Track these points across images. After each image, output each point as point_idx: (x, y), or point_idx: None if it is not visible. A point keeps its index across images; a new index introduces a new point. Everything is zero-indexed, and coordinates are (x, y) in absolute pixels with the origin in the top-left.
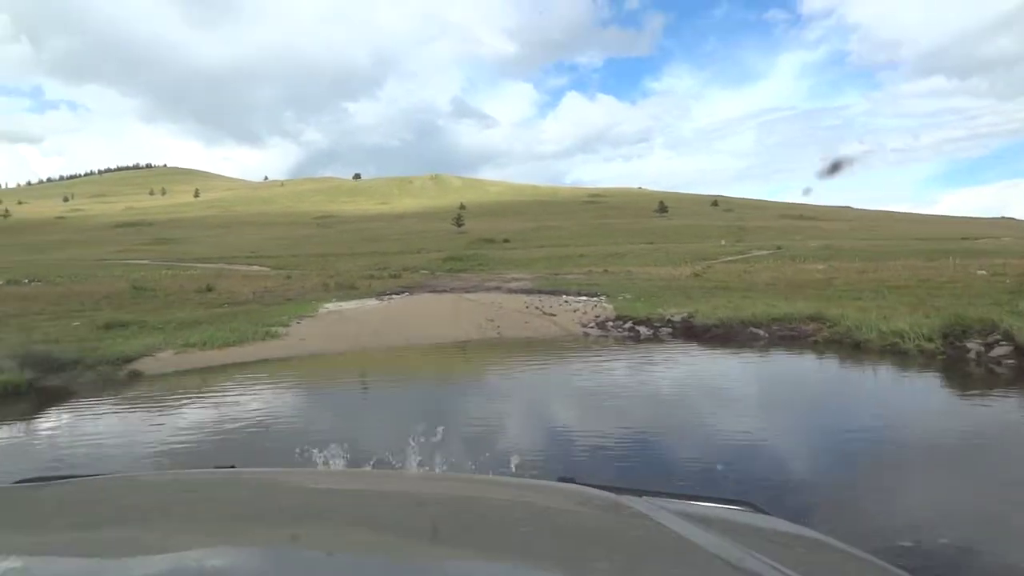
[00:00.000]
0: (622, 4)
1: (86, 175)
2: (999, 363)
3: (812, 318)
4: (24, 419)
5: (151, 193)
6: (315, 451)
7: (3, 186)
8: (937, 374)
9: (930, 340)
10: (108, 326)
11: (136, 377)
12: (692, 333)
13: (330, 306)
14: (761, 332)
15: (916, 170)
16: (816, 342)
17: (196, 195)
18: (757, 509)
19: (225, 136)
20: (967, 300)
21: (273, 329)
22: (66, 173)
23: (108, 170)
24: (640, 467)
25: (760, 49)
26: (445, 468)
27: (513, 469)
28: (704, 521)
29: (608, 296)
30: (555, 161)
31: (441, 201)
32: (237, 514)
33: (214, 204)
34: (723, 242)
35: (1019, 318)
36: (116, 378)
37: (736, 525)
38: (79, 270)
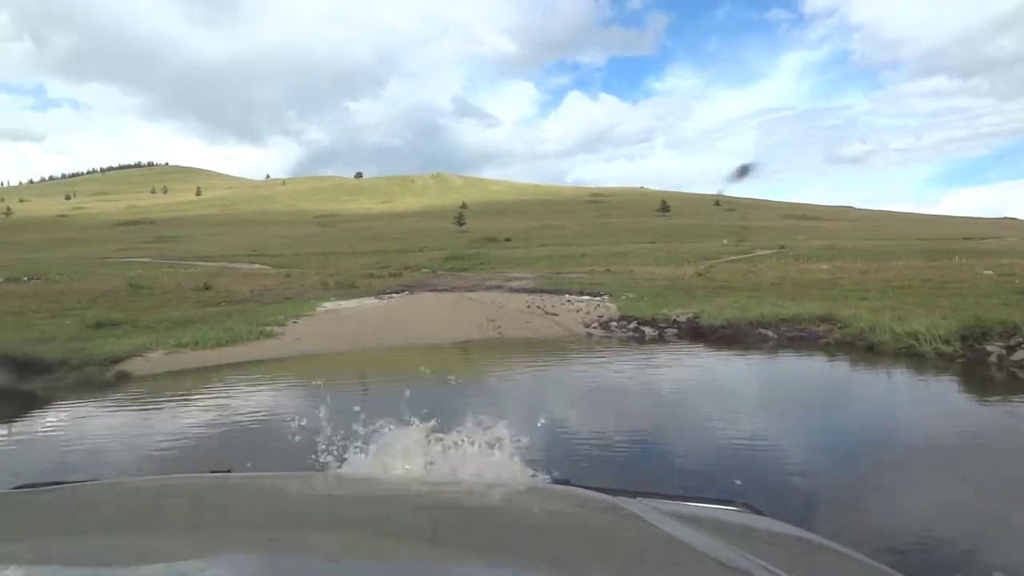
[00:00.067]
0: (624, 3)
1: (88, 173)
2: (1022, 367)
3: (822, 319)
4: None
5: (153, 191)
6: (307, 458)
7: (5, 184)
8: (958, 379)
9: (948, 343)
10: (99, 325)
11: (124, 378)
12: (698, 334)
13: (328, 305)
14: (770, 333)
15: (918, 170)
16: (827, 344)
17: (198, 193)
18: (753, 510)
19: (227, 134)
20: (973, 300)
21: (268, 328)
22: (68, 171)
23: (110, 168)
24: (654, 478)
25: (762, 49)
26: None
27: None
28: (699, 522)
29: (611, 296)
30: (557, 160)
31: (443, 200)
32: (234, 520)
33: (216, 202)
34: (725, 242)
35: None
36: (102, 380)
37: (731, 526)
38: (80, 268)
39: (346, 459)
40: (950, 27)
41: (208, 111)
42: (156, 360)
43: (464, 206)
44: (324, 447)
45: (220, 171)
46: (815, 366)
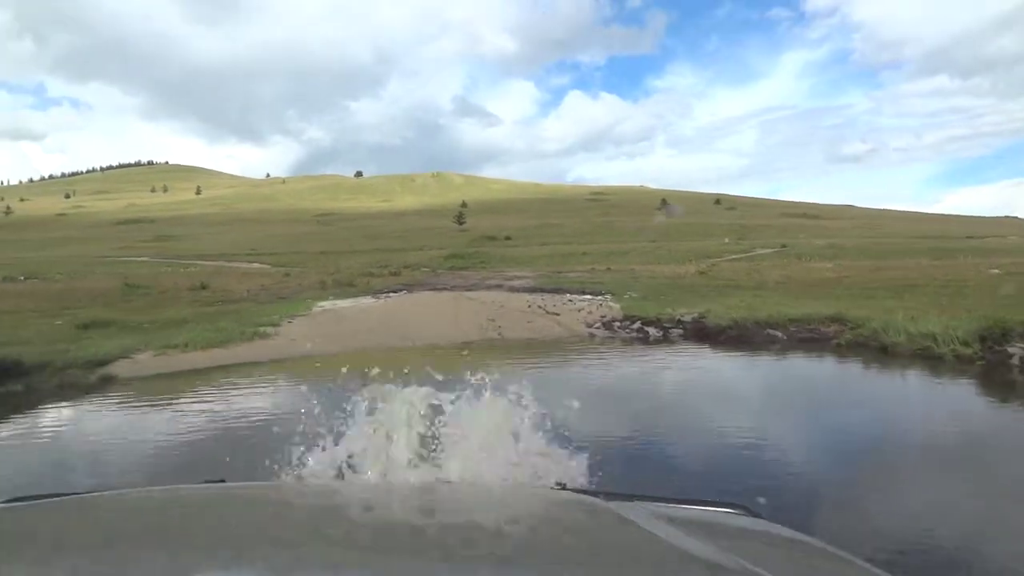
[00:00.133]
0: (624, 2)
1: (88, 172)
2: None
3: (832, 319)
4: None
5: (153, 190)
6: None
7: (5, 183)
8: (980, 382)
9: (966, 344)
10: (87, 325)
11: (108, 382)
12: (704, 334)
13: (324, 304)
14: (779, 334)
15: (918, 169)
16: (839, 345)
17: (198, 192)
18: (750, 512)
19: (227, 134)
20: (986, 299)
21: (262, 329)
22: (68, 170)
23: (110, 167)
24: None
25: (762, 48)
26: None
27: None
28: (695, 525)
29: (613, 295)
30: (557, 159)
31: (443, 199)
32: (232, 531)
33: (216, 201)
34: (726, 240)
35: None
36: (85, 383)
37: (727, 529)
38: (79, 267)
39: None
40: (951, 27)
41: (208, 110)
42: (144, 362)
43: (464, 205)
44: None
45: (220, 170)
46: (831, 369)
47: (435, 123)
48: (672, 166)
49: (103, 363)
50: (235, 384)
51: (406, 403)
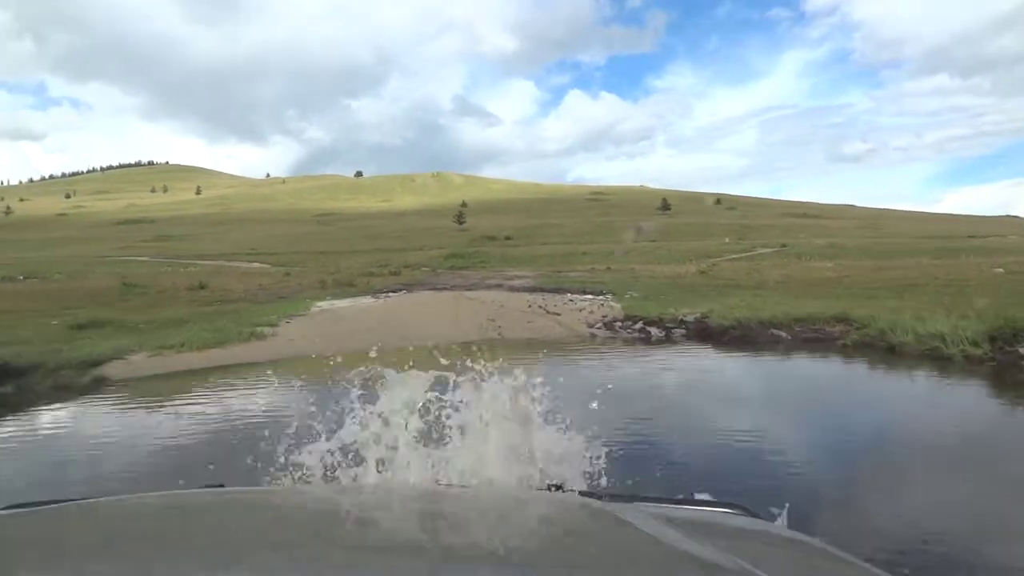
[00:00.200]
0: (624, 2)
1: (88, 172)
2: None
3: (838, 319)
4: None
5: (153, 190)
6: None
7: (5, 183)
8: (992, 383)
9: (976, 344)
10: (83, 326)
11: (101, 383)
12: (707, 334)
13: (323, 304)
14: (783, 334)
15: (919, 169)
16: (845, 345)
17: (198, 192)
18: (749, 512)
19: (227, 133)
20: (992, 298)
21: (259, 329)
22: (68, 170)
23: (110, 167)
24: None
25: (763, 47)
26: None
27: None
28: (693, 526)
29: (614, 294)
30: (557, 159)
31: (443, 199)
32: (231, 537)
33: (216, 201)
34: (727, 240)
35: None
36: (78, 384)
37: (726, 529)
38: (78, 267)
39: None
40: (952, 26)
41: (208, 110)
42: (138, 363)
43: (464, 204)
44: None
45: (220, 170)
46: (842, 371)
47: (435, 122)
48: (672, 166)
49: (96, 364)
50: (231, 385)
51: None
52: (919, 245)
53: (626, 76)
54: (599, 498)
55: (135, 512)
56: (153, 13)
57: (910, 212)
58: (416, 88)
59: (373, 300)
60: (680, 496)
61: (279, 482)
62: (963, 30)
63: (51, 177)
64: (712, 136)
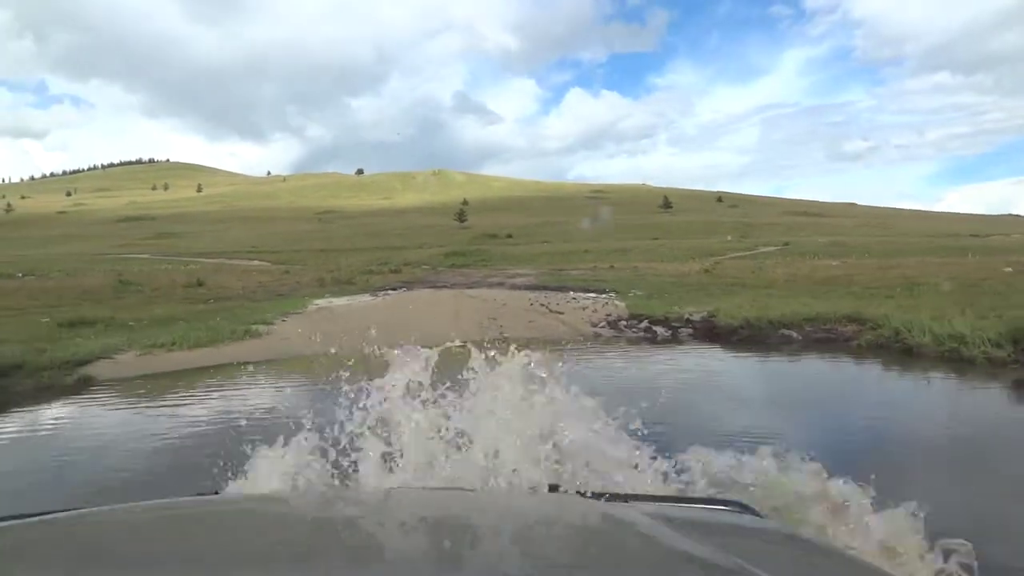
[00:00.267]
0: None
1: (89, 170)
2: None
3: (850, 319)
4: None
5: (154, 188)
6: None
7: (6, 181)
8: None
9: (998, 346)
10: (72, 324)
11: (86, 383)
12: (715, 334)
13: (320, 302)
14: (794, 334)
15: (920, 167)
16: (858, 346)
17: (199, 190)
18: (750, 510)
19: (228, 131)
20: (996, 298)
21: (254, 327)
22: (69, 168)
23: (111, 165)
24: None
25: (764, 45)
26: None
27: None
28: (693, 525)
29: (617, 293)
30: (558, 157)
31: (444, 196)
32: (228, 548)
33: (216, 199)
34: (729, 238)
35: None
36: (61, 385)
37: (726, 527)
38: (78, 264)
39: None
40: (954, 23)
41: (210, 108)
42: (126, 363)
43: (465, 202)
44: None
45: (221, 168)
46: (861, 373)
47: (436, 120)
48: (674, 164)
49: (82, 364)
50: (220, 386)
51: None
52: (922, 243)
53: (627, 74)
54: (599, 498)
55: (125, 523)
56: (154, 11)
57: (912, 210)
58: (417, 86)
59: (372, 298)
60: (680, 495)
61: (275, 488)
62: (965, 27)
63: (52, 175)
64: (713, 134)
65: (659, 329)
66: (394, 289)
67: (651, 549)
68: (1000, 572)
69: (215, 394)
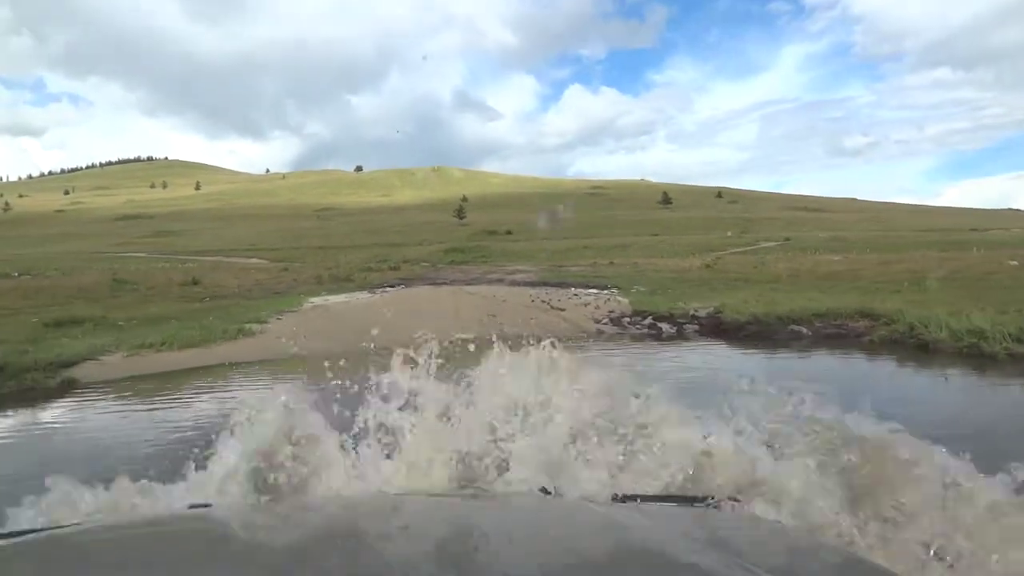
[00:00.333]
0: None
1: (87, 168)
2: None
3: (861, 314)
4: None
5: (152, 186)
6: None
7: (4, 179)
8: None
9: (1020, 341)
10: (59, 323)
11: (70, 386)
12: (721, 330)
13: (316, 300)
14: (803, 330)
15: (920, 162)
16: (871, 342)
17: (197, 188)
18: (747, 509)
19: (227, 129)
20: (1007, 293)
21: (248, 326)
22: (67, 166)
23: (109, 163)
24: None
25: (763, 41)
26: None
27: None
28: (692, 526)
29: (619, 289)
30: (558, 154)
31: (443, 193)
32: (223, 565)
33: (215, 197)
34: (729, 234)
35: None
36: (44, 387)
37: (724, 527)
38: (76, 263)
39: None
40: (954, 18)
41: (208, 105)
42: (113, 364)
43: (464, 199)
44: None
45: (220, 165)
46: (882, 370)
47: (435, 117)
48: (673, 160)
49: (67, 365)
50: (210, 388)
51: None
52: (923, 238)
53: (626, 70)
54: (600, 501)
55: (117, 539)
56: (153, 7)
57: (912, 205)
58: (416, 82)
59: (369, 295)
60: (680, 496)
61: (269, 498)
62: (965, 22)
63: (50, 173)
64: (713, 130)
65: (664, 325)
66: (392, 286)
67: (654, 551)
68: None
69: (204, 397)
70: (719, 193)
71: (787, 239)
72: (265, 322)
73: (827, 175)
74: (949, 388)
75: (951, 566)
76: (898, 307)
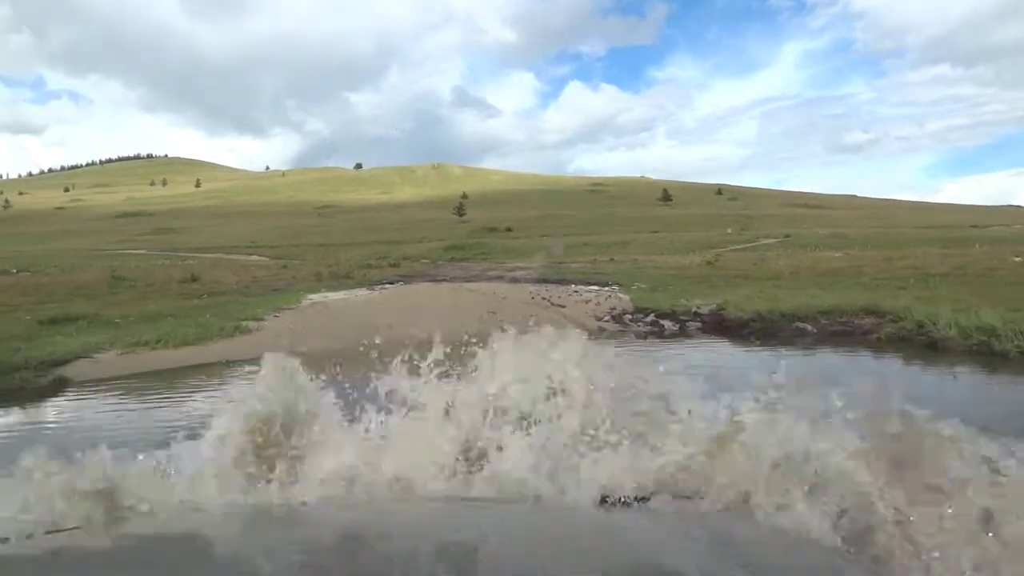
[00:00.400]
0: None
1: (87, 165)
2: None
3: (867, 311)
4: None
5: (152, 184)
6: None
7: (4, 176)
8: None
9: None
10: (54, 321)
11: (62, 385)
12: (725, 327)
13: (315, 297)
14: (808, 327)
15: (920, 158)
16: (878, 339)
17: (197, 185)
18: (746, 508)
19: (227, 126)
20: (1014, 289)
21: (245, 324)
22: (67, 163)
23: (109, 160)
24: None
25: (763, 37)
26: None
27: None
28: (692, 526)
29: (620, 286)
30: (557, 151)
31: (443, 190)
32: (226, 560)
33: (215, 194)
34: (729, 231)
35: None
36: (34, 387)
37: (721, 526)
38: (75, 260)
39: None
40: (954, 15)
41: (208, 103)
42: (106, 362)
43: (464, 196)
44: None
45: (220, 163)
46: (897, 369)
47: (435, 114)
48: (673, 157)
49: (59, 363)
50: (204, 387)
51: None
52: (924, 234)
53: (626, 67)
54: (603, 503)
55: (117, 539)
56: (153, 5)
57: (912, 202)
58: (416, 80)
59: (368, 292)
60: (680, 496)
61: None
62: (966, 19)
63: (50, 171)
64: (713, 127)
65: (666, 323)
66: (391, 283)
67: (653, 553)
68: None
69: (198, 396)
70: (719, 190)
71: (787, 236)
72: (262, 319)
73: (827, 172)
74: (959, 386)
75: (1003, 540)
76: (905, 304)
